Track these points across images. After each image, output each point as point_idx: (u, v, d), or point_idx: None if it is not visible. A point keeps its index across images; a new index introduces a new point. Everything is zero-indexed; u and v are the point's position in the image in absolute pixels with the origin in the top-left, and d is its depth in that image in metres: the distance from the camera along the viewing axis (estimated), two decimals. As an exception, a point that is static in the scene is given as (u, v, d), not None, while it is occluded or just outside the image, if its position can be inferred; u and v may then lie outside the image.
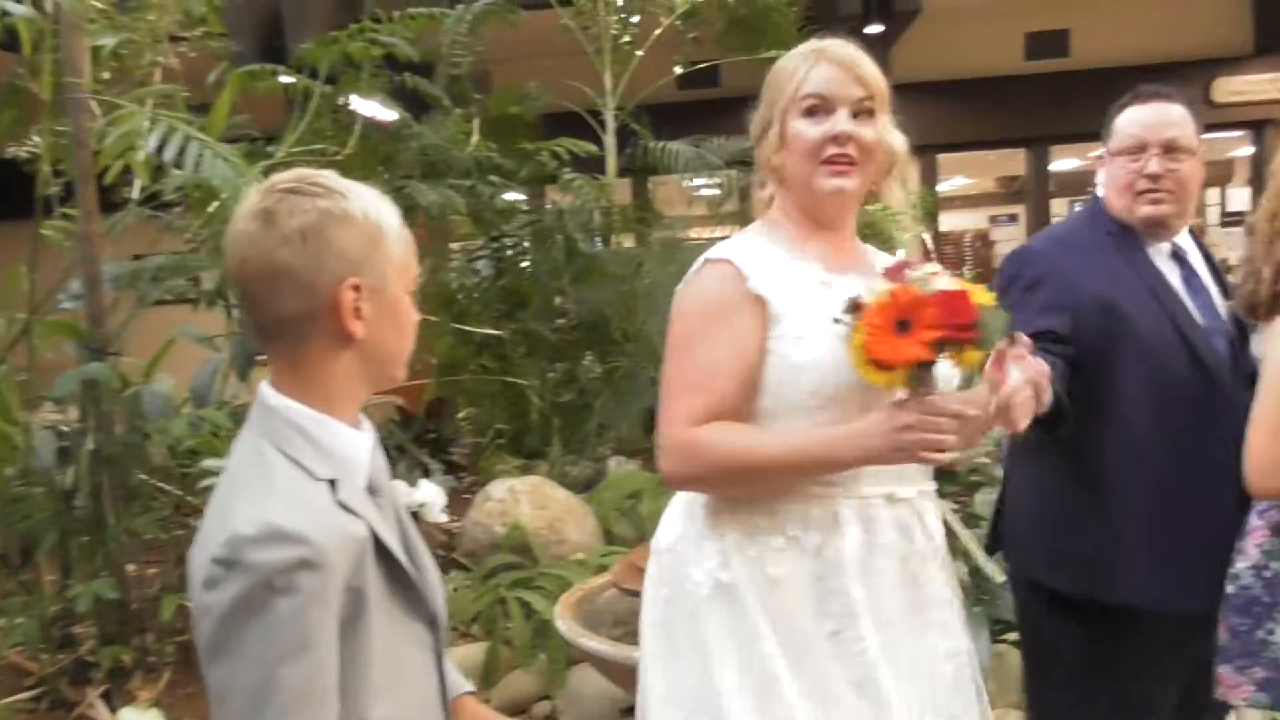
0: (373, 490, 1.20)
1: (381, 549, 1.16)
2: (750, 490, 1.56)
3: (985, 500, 3.98)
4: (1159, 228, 2.16)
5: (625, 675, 2.38)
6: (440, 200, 3.72)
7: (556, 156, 4.60)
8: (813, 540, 1.53)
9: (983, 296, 1.38)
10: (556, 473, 4.76)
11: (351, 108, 4.04)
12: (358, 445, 1.18)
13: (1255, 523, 1.91)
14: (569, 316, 5.19)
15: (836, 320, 1.42)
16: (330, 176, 1.17)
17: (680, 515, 1.65)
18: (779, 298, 1.52)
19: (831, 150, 1.54)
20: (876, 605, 1.53)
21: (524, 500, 4.18)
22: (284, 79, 3.78)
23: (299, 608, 1.03)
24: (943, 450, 1.41)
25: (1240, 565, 1.90)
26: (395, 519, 1.24)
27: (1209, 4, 9.64)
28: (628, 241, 5.45)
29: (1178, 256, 2.19)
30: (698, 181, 5.67)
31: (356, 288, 1.13)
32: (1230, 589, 1.89)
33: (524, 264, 4.75)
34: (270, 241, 1.11)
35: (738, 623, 1.54)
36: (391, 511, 1.24)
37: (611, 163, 5.44)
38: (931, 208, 8.77)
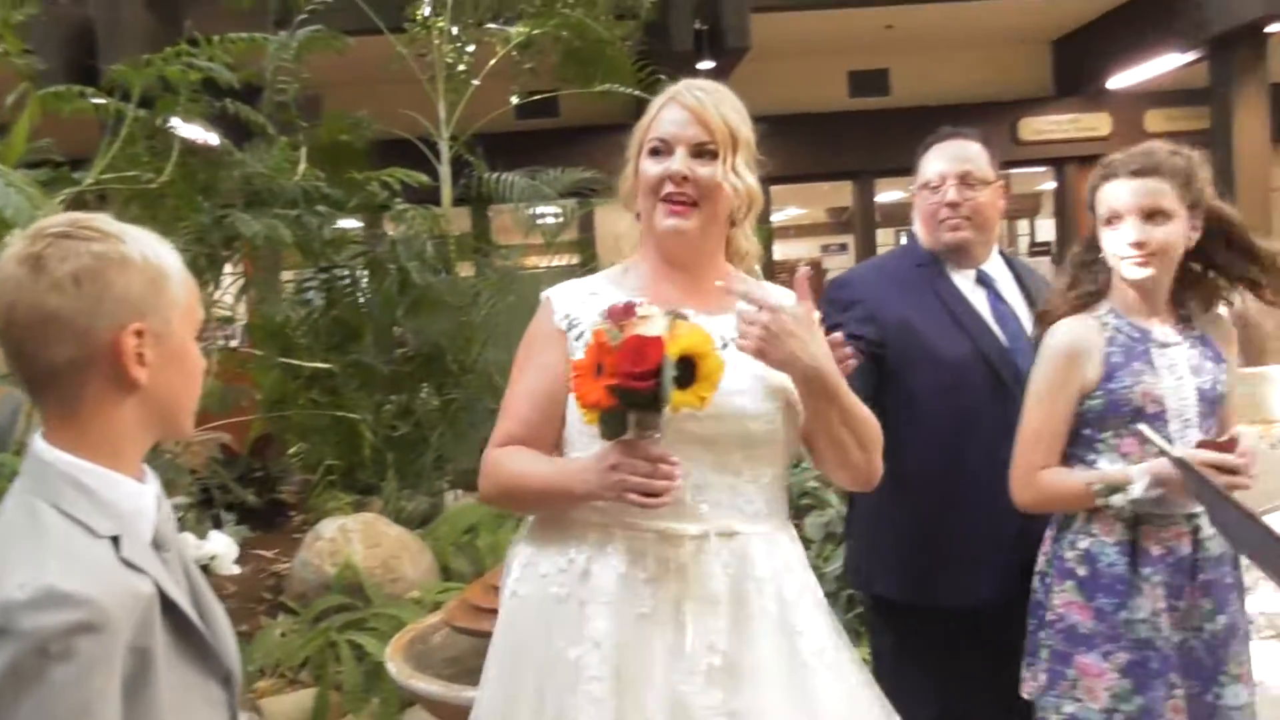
0: (159, 544, 1.15)
1: (169, 606, 1.10)
2: (532, 511, 1.67)
3: (815, 524, 4.10)
4: (962, 254, 2.32)
5: (459, 716, 2.33)
6: (264, 230, 3.59)
7: (387, 186, 4.52)
8: (581, 564, 1.55)
9: (690, 343, 1.39)
10: (391, 509, 4.64)
11: (173, 132, 3.87)
12: (142, 498, 1.14)
13: (1047, 532, 2.06)
14: (405, 348, 5.09)
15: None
16: (105, 220, 1.13)
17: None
18: (575, 332, 1.59)
19: (668, 189, 1.57)
20: (629, 643, 1.50)
21: (356, 538, 4.06)
22: (94, 100, 3.59)
23: (78, 675, 0.97)
24: (654, 495, 1.41)
25: (1037, 569, 2.05)
26: (183, 573, 1.19)
27: (1013, 51, 10.34)
28: (468, 271, 5.40)
29: (984, 282, 2.35)
30: (543, 209, 5.67)
31: (139, 333, 1.10)
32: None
33: (355, 295, 4.63)
34: (40, 287, 1.06)
35: (519, 636, 1.59)
36: (179, 566, 1.18)
37: (446, 192, 5.38)
38: (765, 238, 9.04)
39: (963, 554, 2.24)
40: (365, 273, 4.74)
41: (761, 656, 1.52)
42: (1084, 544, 1.97)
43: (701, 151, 1.58)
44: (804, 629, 1.56)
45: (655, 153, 1.60)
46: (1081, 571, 1.97)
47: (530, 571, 1.60)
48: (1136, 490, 1.87)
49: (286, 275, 5.57)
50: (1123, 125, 10.35)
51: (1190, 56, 8.66)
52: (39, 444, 1.11)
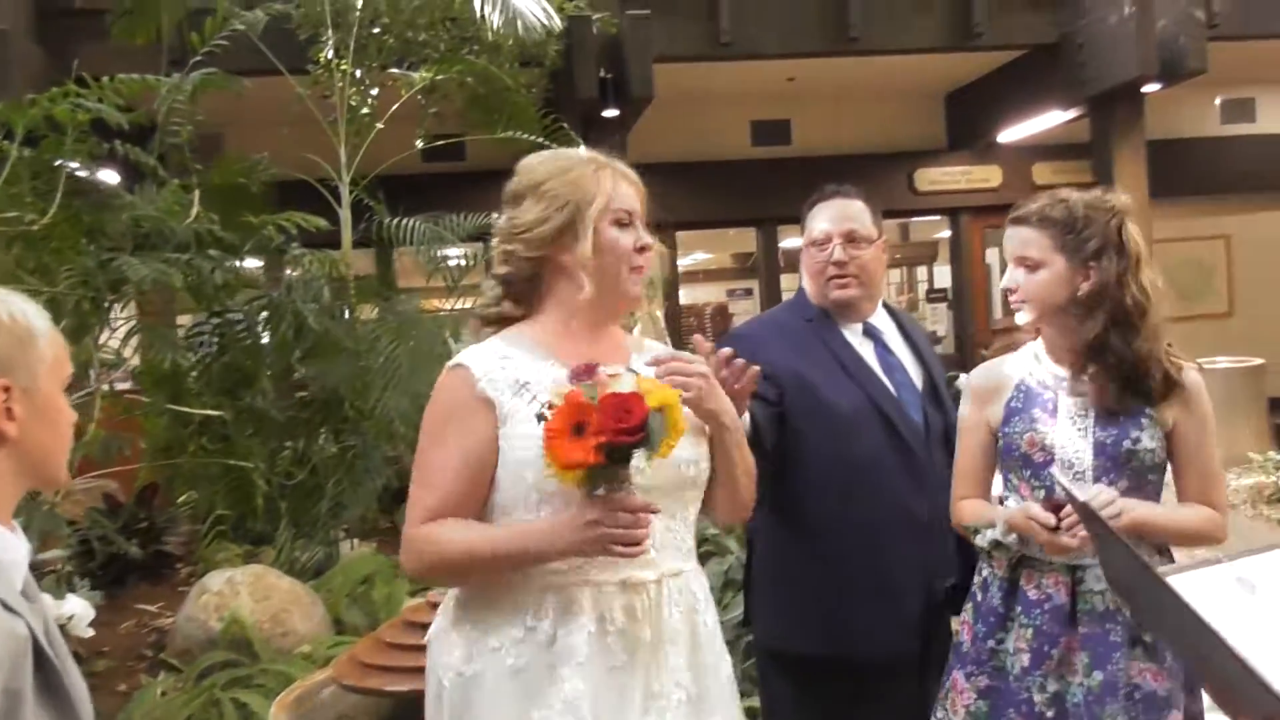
0: (27, 596, 1.16)
1: (38, 653, 1.11)
2: (473, 581, 1.66)
3: (714, 571, 4.11)
4: (849, 309, 2.41)
5: (341, 777, 2.28)
6: (153, 274, 3.50)
7: (284, 230, 4.44)
8: (546, 630, 1.58)
9: (662, 396, 1.47)
10: (284, 559, 4.53)
11: (61, 172, 3.75)
12: (13, 549, 1.17)
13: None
14: (303, 393, 4.99)
15: (540, 418, 1.50)
16: None
17: (442, 606, 1.75)
18: (506, 398, 1.61)
19: (638, 260, 1.71)
20: (605, 697, 1.57)
21: (244, 591, 3.95)
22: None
23: None
24: (635, 544, 1.49)
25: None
26: (44, 629, 1.17)
27: (910, 105, 10.68)
28: (372, 314, 5.33)
29: (871, 334, 2.42)
30: (450, 251, 5.65)
31: (6, 389, 1.15)
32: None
33: (250, 340, 4.52)
34: None
35: (478, 714, 1.59)
36: (41, 621, 1.17)
37: (346, 236, 5.32)
38: (668, 284, 9.13)
39: (864, 604, 2.28)
40: (262, 317, 4.65)
41: (712, 685, 1.68)
42: (984, 573, 2.07)
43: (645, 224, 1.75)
44: (721, 652, 1.73)
45: (621, 224, 1.70)
46: (978, 596, 2.07)
47: (478, 648, 1.62)
48: (992, 533, 1.96)
49: (185, 319, 5.42)
50: (1012, 177, 10.74)
51: (1073, 113, 9.05)
52: None
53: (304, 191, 5.42)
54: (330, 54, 5.66)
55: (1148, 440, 1.93)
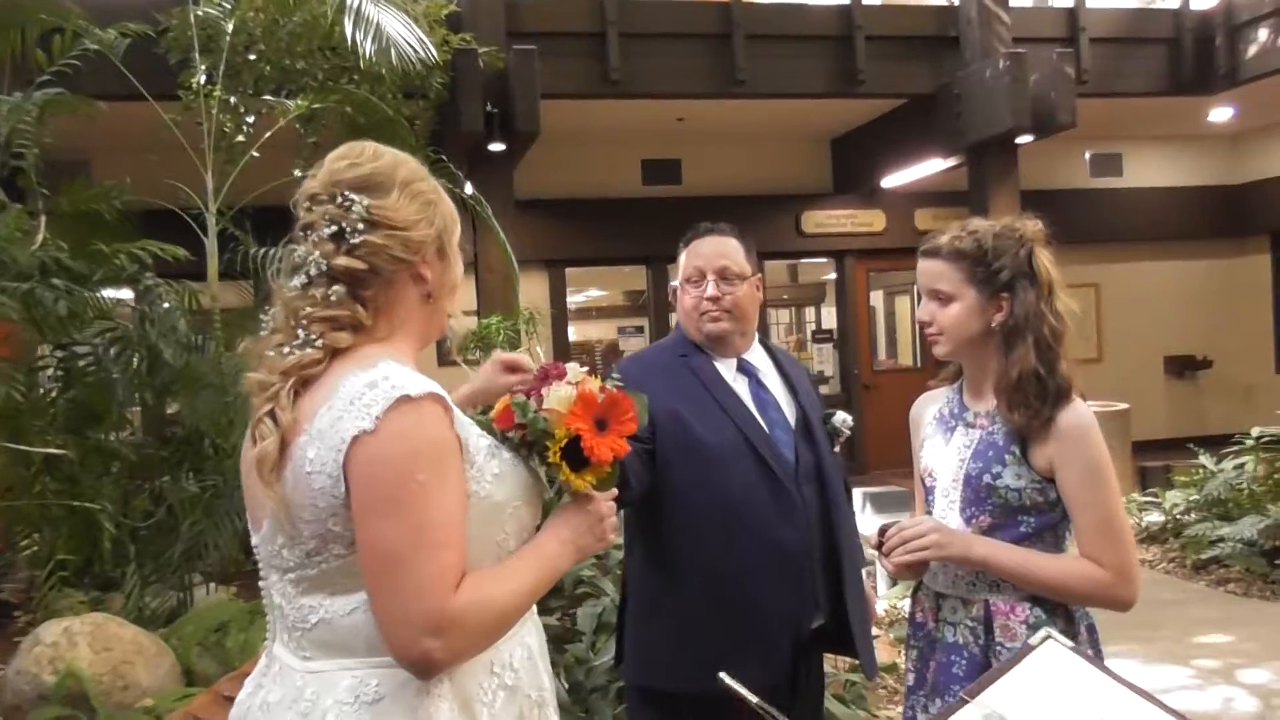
0: None
1: None
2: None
3: (589, 613, 4.02)
4: (722, 344, 2.41)
5: None
6: (-14, 304, 3.28)
7: (137, 259, 4.23)
8: (514, 678, 1.46)
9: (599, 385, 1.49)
10: (132, 606, 4.26)
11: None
12: None
13: (1005, 602, 1.94)
14: (175, 428, 4.75)
15: (531, 439, 1.44)
16: None
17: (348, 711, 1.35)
18: (467, 435, 1.40)
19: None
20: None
21: (82, 642, 3.70)
22: None
23: None
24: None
25: (1010, 646, 1.90)
26: None
27: (797, 148, 10.89)
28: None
29: (745, 370, 2.42)
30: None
31: None
32: None
33: (98, 375, 4.28)
34: None
35: None
36: None
37: (212, 266, 5.12)
38: (553, 320, 9.07)
39: (732, 639, 2.26)
40: (114, 351, 4.41)
41: None
42: None
43: None
44: None
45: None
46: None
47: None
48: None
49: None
50: (895, 221, 11.03)
51: (952, 161, 9.35)
52: None
53: (173, 221, 5.20)
54: (202, 79, 5.48)
55: (1010, 478, 1.87)
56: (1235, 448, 6.92)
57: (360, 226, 1.41)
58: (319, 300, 1.40)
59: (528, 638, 1.51)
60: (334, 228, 1.41)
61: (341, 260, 1.41)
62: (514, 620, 1.42)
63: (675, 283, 2.50)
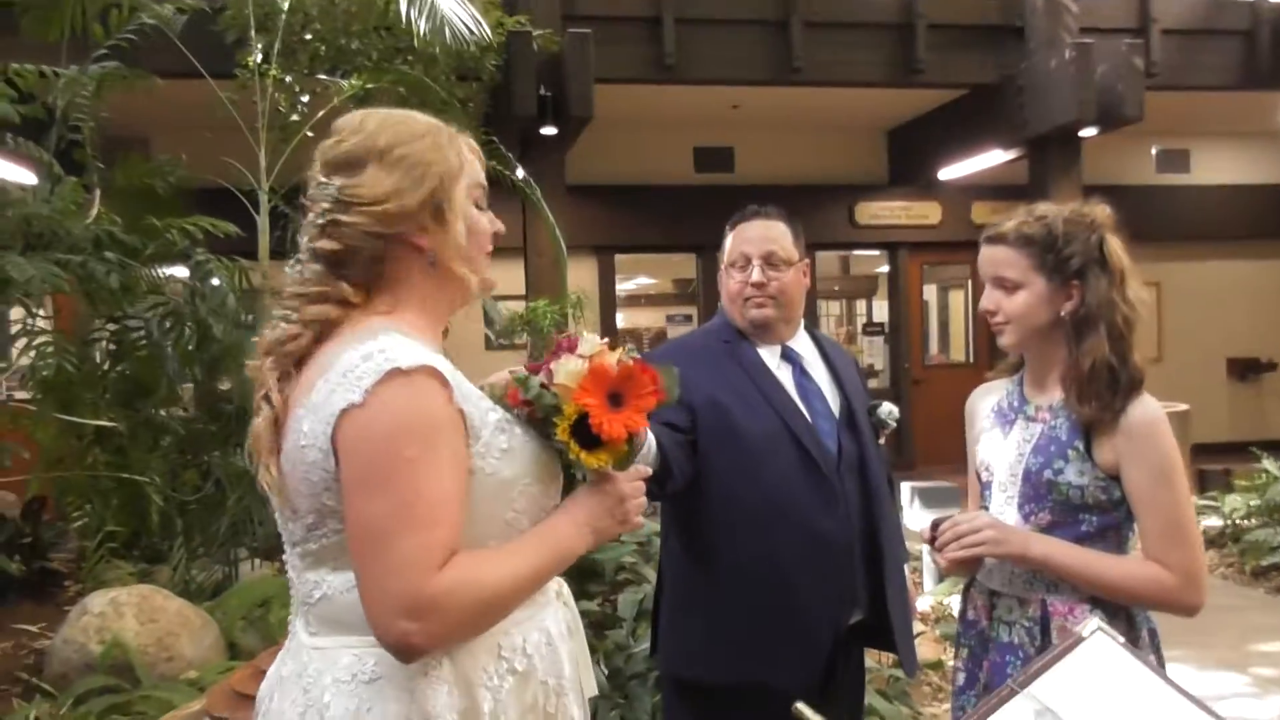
0: None
1: None
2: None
3: (630, 600, 3.99)
4: (766, 331, 2.34)
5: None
6: (41, 275, 3.29)
7: (189, 235, 4.25)
8: (525, 663, 1.40)
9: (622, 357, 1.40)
10: (179, 579, 4.31)
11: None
12: None
13: (1064, 602, 1.86)
14: (215, 406, 4.78)
15: (540, 415, 1.38)
16: None
17: (345, 695, 1.32)
18: (473, 409, 1.35)
19: (489, 246, 1.52)
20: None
21: (128, 613, 3.74)
22: None
23: None
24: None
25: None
26: None
27: (852, 138, 10.75)
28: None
29: (789, 358, 2.35)
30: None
31: None
32: None
33: (148, 349, 4.31)
34: None
35: None
36: None
37: (264, 244, 5.14)
38: (610, 307, 9.04)
39: (772, 632, 2.22)
40: (165, 325, 4.44)
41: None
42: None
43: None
44: None
45: (478, 203, 1.50)
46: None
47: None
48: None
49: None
50: (951, 214, 10.85)
51: (1013, 154, 9.16)
52: None
53: (225, 199, 5.24)
54: (258, 58, 5.50)
55: (1072, 474, 1.80)
56: (1301, 453, 6.72)
57: (328, 207, 1.40)
58: (298, 279, 1.42)
59: (548, 622, 1.45)
60: (316, 210, 1.42)
61: (321, 242, 1.41)
62: (511, 604, 1.35)
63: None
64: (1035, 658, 1.15)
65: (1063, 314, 1.85)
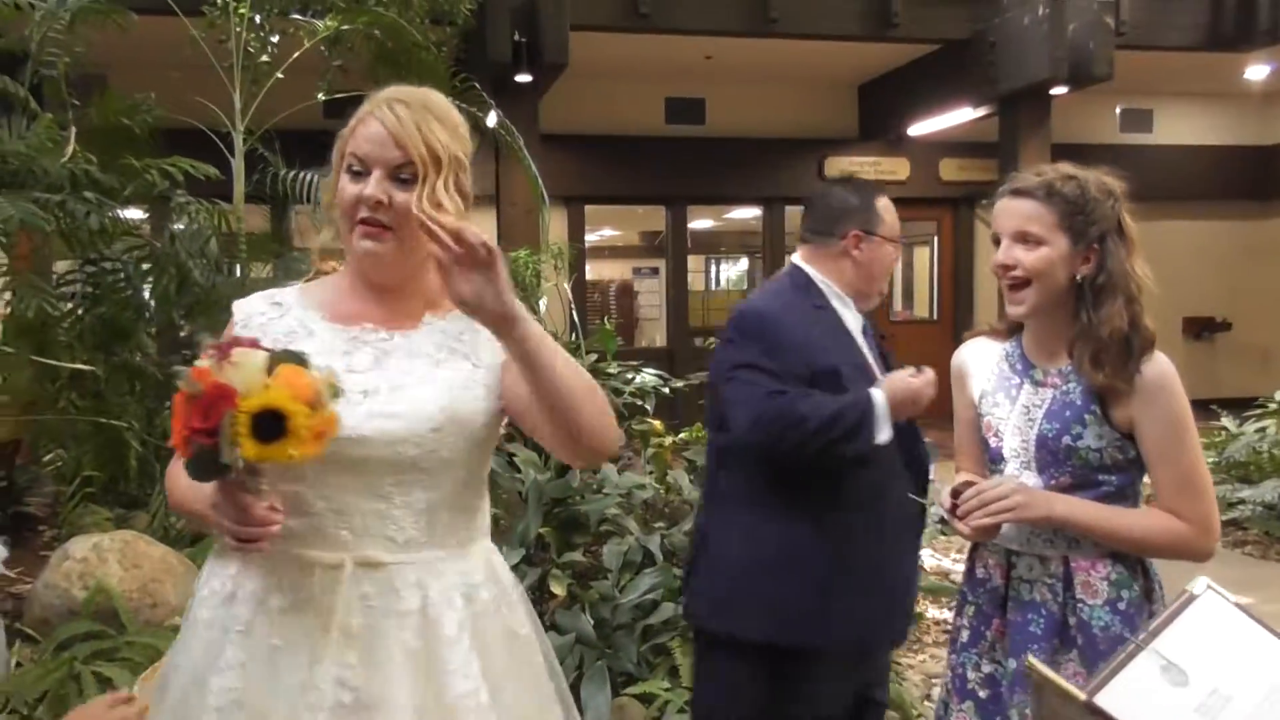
0: None
1: None
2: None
3: (614, 552, 4.01)
4: (866, 302, 2.44)
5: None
6: (18, 214, 3.20)
7: (169, 176, 4.15)
8: (228, 589, 1.50)
9: (272, 398, 1.29)
10: (157, 525, 4.26)
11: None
12: None
13: (1085, 558, 1.87)
14: (188, 350, 4.70)
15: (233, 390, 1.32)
16: None
17: None
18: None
19: (364, 213, 1.49)
20: (260, 674, 1.45)
21: (112, 559, 3.69)
22: None
23: None
24: (251, 541, 1.36)
25: (1091, 604, 1.85)
26: None
27: (823, 93, 10.73)
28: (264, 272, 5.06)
29: (865, 331, 2.42)
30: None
31: None
32: (1092, 632, 1.84)
33: (127, 292, 4.22)
34: None
35: (174, 660, 1.55)
36: None
37: (239, 188, 5.03)
38: (574, 259, 8.98)
39: (877, 598, 2.30)
40: (144, 268, 4.35)
41: (396, 696, 1.43)
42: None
43: (399, 175, 1.48)
44: (457, 668, 1.46)
45: (353, 172, 1.50)
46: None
47: (199, 591, 1.55)
48: (940, 511, 1.93)
49: (63, 266, 5.05)
50: (920, 171, 10.90)
51: (983, 111, 9.20)
52: None
53: (193, 140, 5.10)
54: (229, -5, 5.35)
55: (1091, 439, 1.83)
56: (1258, 410, 6.89)
57: None
58: None
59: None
60: None
61: None
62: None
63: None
64: (1158, 618, 1.18)
65: (1078, 278, 1.86)
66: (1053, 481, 1.87)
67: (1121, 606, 1.83)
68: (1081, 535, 1.85)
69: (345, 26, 5.62)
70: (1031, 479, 1.89)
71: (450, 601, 1.49)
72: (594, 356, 5.63)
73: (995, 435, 1.94)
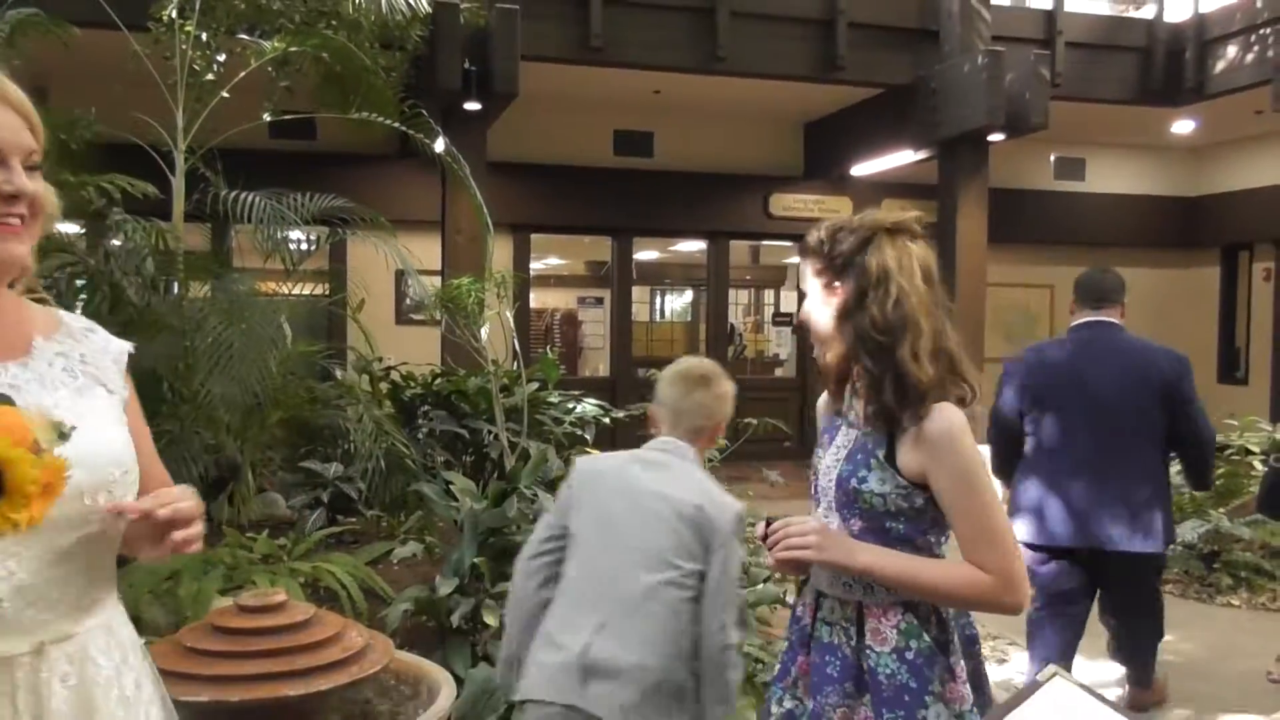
0: None
1: None
2: None
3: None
4: None
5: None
6: (-52, 228, 3.12)
7: (105, 194, 4.08)
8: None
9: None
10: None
11: None
12: None
13: (878, 605, 1.87)
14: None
15: None
16: None
17: None
18: None
19: (2, 209, 1.27)
20: None
21: (31, 583, 3.59)
22: None
23: None
24: None
25: (879, 651, 1.85)
26: None
27: (769, 130, 10.90)
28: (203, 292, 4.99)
29: None
30: (293, 233, 5.34)
31: None
32: (879, 679, 1.83)
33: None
34: None
35: None
36: None
37: (178, 206, 4.97)
38: (518, 287, 8.98)
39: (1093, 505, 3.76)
40: (77, 284, 4.27)
41: None
42: None
43: (32, 163, 1.31)
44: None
45: None
46: None
47: None
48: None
49: None
50: (862, 209, 10.92)
51: (924, 154, 9.41)
52: None
53: (134, 157, 5.04)
54: (174, 12, 5.30)
55: (874, 483, 1.81)
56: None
57: None
58: None
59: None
60: None
61: None
62: None
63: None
64: (998, 706, 1.18)
65: (838, 312, 1.86)
66: (848, 523, 1.87)
67: (909, 656, 1.81)
68: (884, 586, 1.83)
69: (294, 48, 5.60)
70: (834, 521, 1.89)
71: (125, 658, 1.39)
72: (535, 385, 5.63)
73: (814, 475, 1.96)
